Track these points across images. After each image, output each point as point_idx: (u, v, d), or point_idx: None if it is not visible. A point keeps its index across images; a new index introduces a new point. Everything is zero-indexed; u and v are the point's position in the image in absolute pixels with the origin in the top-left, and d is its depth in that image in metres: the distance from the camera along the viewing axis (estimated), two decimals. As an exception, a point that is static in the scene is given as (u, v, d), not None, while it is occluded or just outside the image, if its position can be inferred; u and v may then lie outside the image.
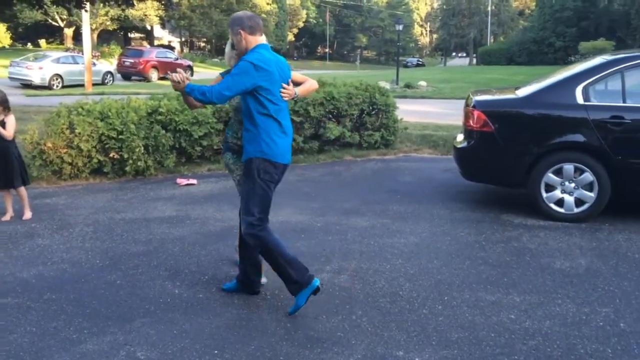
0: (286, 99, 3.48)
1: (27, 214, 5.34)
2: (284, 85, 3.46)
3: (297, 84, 3.77)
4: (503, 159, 5.47)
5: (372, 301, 3.64)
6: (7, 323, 3.27)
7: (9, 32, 33.59)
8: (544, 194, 5.30)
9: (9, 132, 5.13)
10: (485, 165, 5.66)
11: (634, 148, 5.09)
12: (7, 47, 33.39)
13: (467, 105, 5.92)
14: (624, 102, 5.15)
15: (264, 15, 51.26)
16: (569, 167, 5.19)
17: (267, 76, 3.32)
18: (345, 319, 3.40)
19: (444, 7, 71.22)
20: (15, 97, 16.95)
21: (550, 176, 5.26)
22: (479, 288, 3.85)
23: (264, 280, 3.83)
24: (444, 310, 3.52)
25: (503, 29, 65.74)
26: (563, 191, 5.25)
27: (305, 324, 3.34)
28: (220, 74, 3.84)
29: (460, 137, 6.16)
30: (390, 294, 3.76)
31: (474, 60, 59.44)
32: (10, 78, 21.54)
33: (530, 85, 6.01)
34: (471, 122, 5.57)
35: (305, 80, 3.90)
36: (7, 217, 5.25)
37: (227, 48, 3.72)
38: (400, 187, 6.62)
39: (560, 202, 5.27)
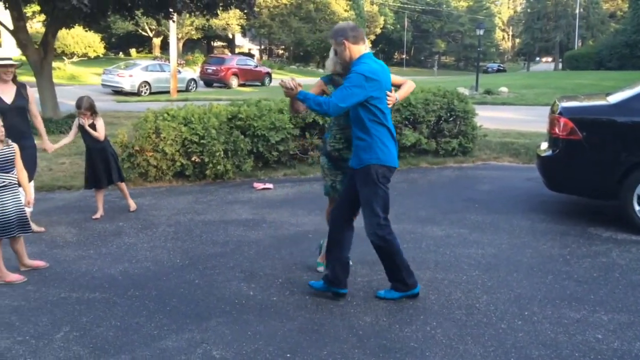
0: (390, 105, 3.58)
1: (133, 206, 5.77)
2: (388, 92, 3.56)
3: (396, 86, 3.86)
4: (591, 169, 5.17)
5: (447, 313, 3.54)
6: (95, 317, 3.47)
7: (103, 42, 35.84)
8: (637, 207, 4.95)
9: (100, 133, 5.51)
10: (571, 175, 5.37)
11: None
12: (101, 56, 35.63)
13: (552, 112, 5.65)
14: None
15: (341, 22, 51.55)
16: (665, 179, 4.82)
17: (376, 86, 3.43)
18: (419, 330, 3.32)
19: (528, 10, 68.57)
20: (107, 103, 18.08)
21: (644, 188, 4.90)
22: (562, 304, 3.64)
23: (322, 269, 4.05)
24: (524, 326, 3.36)
25: (592, 32, 62.31)
26: (659, 204, 4.89)
27: (378, 332, 3.30)
28: (322, 78, 3.97)
29: (544, 145, 5.89)
30: (466, 306, 3.64)
31: (560, 65, 56.74)
32: (103, 85, 23.01)
33: (622, 91, 5.65)
34: (557, 129, 5.30)
35: (404, 82, 3.98)
36: (97, 216, 5.58)
37: (331, 54, 3.79)
38: (478, 196, 6.42)
39: (655, 217, 4.91)
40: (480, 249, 4.69)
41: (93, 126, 5.52)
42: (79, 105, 5.52)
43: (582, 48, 53.85)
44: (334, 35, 3.58)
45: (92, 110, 5.56)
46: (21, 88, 4.89)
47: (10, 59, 4.91)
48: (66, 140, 5.72)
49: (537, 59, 76.80)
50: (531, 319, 3.46)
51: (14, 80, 4.88)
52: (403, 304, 3.64)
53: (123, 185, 5.84)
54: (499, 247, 4.75)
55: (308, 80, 37.48)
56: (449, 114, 8.39)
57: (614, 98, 5.46)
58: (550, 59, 74.35)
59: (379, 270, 4.19)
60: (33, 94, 5.10)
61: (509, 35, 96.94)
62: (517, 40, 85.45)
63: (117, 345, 3.14)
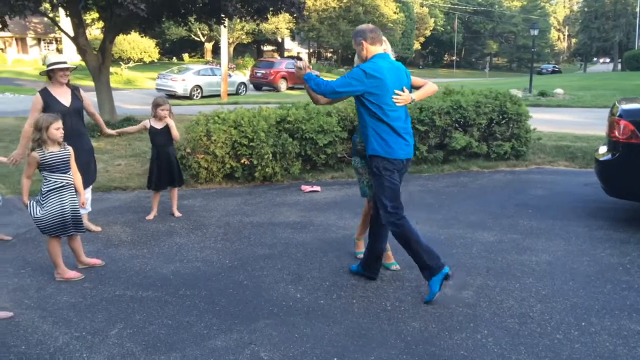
0: (400, 104, 3.74)
1: (177, 214, 5.84)
2: (397, 91, 3.71)
3: (416, 87, 4.01)
4: (654, 174, 4.92)
5: (499, 321, 3.44)
6: (147, 315, 3.56)
7: (157, 47, 36.96)
8: None
9: (176, 133, 5.63)
10: (632, 180, 5.13)
11: None
12: (155, 61, 36.72)
13: (612, 114, 5.41)
14: None
15: (390, 25, 51.32)
16: None
17: (376, 83, 3.65)
18: (469, 338, 3.24)
19: (585, 9, 66.15)
20: (161, 107, 18.61)
21: None
22: (622, 315, 3.48)
23: (396, 267, 4.28)
24: (581, 337, 3.23)
25: (655, 30, 59.51)
26: None
27: (427, 339, 3.24)
28: None
29: (603, 149, 5.65)
30: (519, 314, 3.53)
31: (619, 66, 54.44)
32: (157, 89, 23.72)
33: (689, 91, 5.35)
34: (617, 132, 5.08)
35: (425, 83, 4.08)
36: (150, 217, 5.73)
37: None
38: (532, 201, 6.22)
39: None
40: (534, 256, 4.55)
41: (167, 128, 5.62)
42: (159, 104, 5.60)
43: (644, 47, 51.48)
44: (354, 36, 3.85)
45: (170, 110, 5.69)
46: (75, 90, 5.05)
47: (64, 62, 5.00)
48: (129, 129, 5.98)
49: (595, 59, 73.93)
50: (588, 329, 3.32)
51: (68, 83, 5.03)
52: (453, 311, 3.57)
53: (176, 190, 5.93)
54: (554, 254, 4.58)
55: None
56: (501, 117, 8.19)
57: (680, 99, 5.18)
58: (608, 60, 71.45)
59: (428, 276, 4.13)
60: (86, 94, 5.26)
61: (564, 35, 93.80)
62: (574, 40, 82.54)
63: (168, 343, 3.21)
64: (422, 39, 63.25)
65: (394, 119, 3.72)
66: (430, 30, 63.16)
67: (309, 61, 55.75)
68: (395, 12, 52.59)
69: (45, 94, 4.88)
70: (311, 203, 6.32)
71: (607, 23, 60.33)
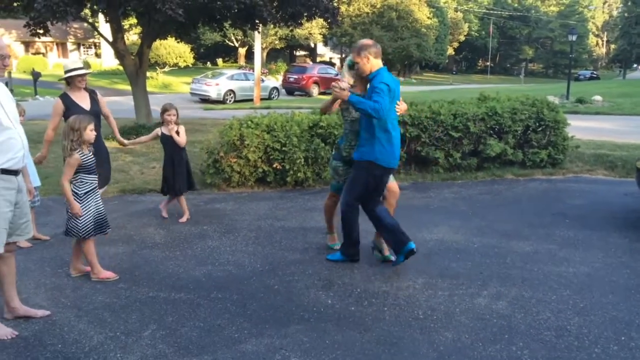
0: (400, 113, 4.21)
1: (186, 216, 5.85)
2: (398, 102, 4.16)
3: None
4: (700, 185, 4.74)
5: (535, 333, 3.36)
6: (180, 317, 3.60)
7: (192, 52, 37.58)
8: None
9: (182, 139, 5.72)
10: (675, 190, 4.96)
11: None
12: (190, 65, 37.36)
13: (654, 122, 5.25)
14: None
15: (424, 30, 50.97)
16: None
17: (392, 95, 4.05)
18: (504, 349, 3.17)
19: (625, 14, 64.36)
20: (195, 111, 18.90)
21: None
22: (665, 332, 3.35)
23: (393, 257, 4.46)
24: (620, 352, 3.12)
25: (699, 36, 57.55)
26: None
27: (460, 349, 3.18)
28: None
29: (644, 158, 5.48)
30: (556, 327, 3.43)
31: (661, 72, 52.78)
32: (192, 93, 24.08)
33: None
34: (659, 141, 4.93)
35: None
36: (184, 219, 5.80)
37: (345, 68, 4.32)
38: (569, 211, 6.07)
39: None
40: (571, 267, 4.42)
41: (177, 133, 5.72)
42: (166, 109, 5.71)
43: (687, 53, 49.81)
44: (359, 50, 4.08)
45: (178, 115, 5.79)
46: (92, 94, 5.16)
47: (82, 67, 5.07)
48: (142, 138, 6.05)
49: (635, 65, 71.79)
50: (628, 344, 3.21)
51: (85, 87, 5.13)
52: (487, 322, 3.49)
53: (183, 197, 5.93)
54: (592, 265, 4.46)
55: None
56: (537, 124, 8.02)
57: None
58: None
59: (461, 285, 4.07)
60: (103, 98, 5.34)
61: (603, 41, 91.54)
62: (612, 46, 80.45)
63: (200, 345, 3.23)
64: (455, 44, 62.60)
65: (395, 129, 4.17)
66: (465, 36, 62.44)
67: (341, 66, 55.80)
68: (429, 17, 52.19)
69: (65, 98, 5.02)
70: (342, 208, 6.29)
71: (648, 28, 58.57)
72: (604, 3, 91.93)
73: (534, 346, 3.20)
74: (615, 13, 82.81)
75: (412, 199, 6.74)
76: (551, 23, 70.45)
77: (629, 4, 62.67)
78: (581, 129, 10.29)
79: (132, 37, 33.15)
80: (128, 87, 13.29)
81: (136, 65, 12.39)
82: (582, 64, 72.17)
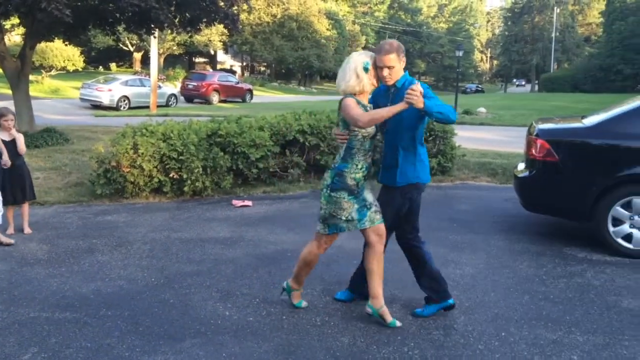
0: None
1: (28, 230, 5.53)
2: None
3: None
4: (567, 191, 5.24)
5: (426, 333, 3.52)
6: (65, 338, 3.37)
7: (82, 55, 35.53)
8: (611, 228, 5.02)
9: (23, 146, 5.42)
10: (547, 196, 5.44)
11: None
12: (80, 69, 35.28)
13: (529, 133, 5.73)
14: (701, 133, 4.84)
15: (323, 41, 52.07)
16: (638, 201, 4.90)
17: None
18: (397, 351, 3.30)
19: (506, 33, 70.00)
20: (85, 117, 17.88)
21: (619, 210, 4.99)
22: (538, 325, 3.66)
23: (304, 304, 3.88)
24: (501, 347, 3.36)
25: (567, 55, 63.83)
26: (632, 226, 4.97)
27: (355, 353, 3.26)
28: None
29: (521, 166, 5.96)
30: (444, 326, 3.62)
31: (536, 87, 57.91)
32: (81, 99, 22.73)
33: (598, 114, 5.76)
34: (534, 151, 5.38)
35: None
36: (11, 231, 5.43)
37: (361, 72, 3.42)
38: (457, 216, 6.45)
39: (628, 237, 4.99)
40: (458, 269, 4.70)
41: (14, 140, 5.40)
42: (2, 114, 5.36)
43: (558, 71, 55.15)
44: (398, 51, 3.41)
45: (15, 121, 5.48)
46: None
47: None
48: None
49: (514, 80, 78.06)
50: (508, 340, 3.45)
51: None
52: (381, 325, 3.61)
53: (27, 205, 5.64)
54: (476, 267, 4.76)
55: (289, 98, 37.54)
56: (428, 134, 8.46)
57: (590, 120, 5.56)
58: (523, 82, 75.73)
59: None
60: None
61: (487, 57, 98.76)
62: (495, 62, 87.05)
63: (86, 367, 3.05)
64: (354, 56, 64.43)
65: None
66: (362, 48, 64.58)
67: (242, 74, 55.52)
68: (328, 29, 53.47)
69: None
70: (242, 218, 6.24)
71: (526, 47, 64.06)
72: (488, 22, 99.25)
73: (424, 346, 3.35)
74: (497, 31, 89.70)
75: (311, 206, 6.82)
76: (441, 39, 74.86)
77: (509, 23, 68.27)
78: (467, 138, 10.98)
79: (15, 37, 30.75)
80: (8, 91, 12.28)
81: (17, 68, 11.50)
82: (468, 78, 77.33)
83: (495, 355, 3.26)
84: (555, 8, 60.15)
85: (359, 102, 3.41)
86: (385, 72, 3.41)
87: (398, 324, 3.59)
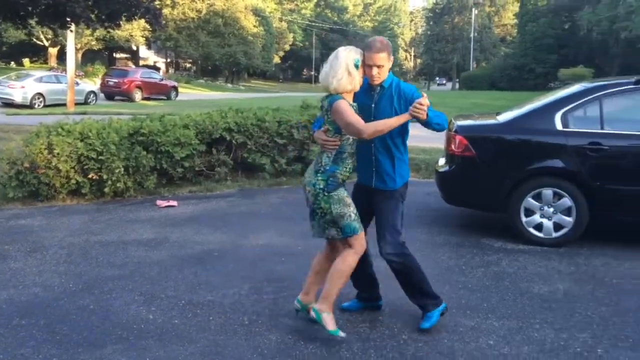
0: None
1: None
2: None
3: None
4: (483, 184, 5.50)
5: (352, 327, 3.59)
6: (-27, 350, 3.17)
7: (-8, 50, 33.36)
8: (524, 219, 5.32)
9: None
10: (466, 189, 5.69)
11: (611, 174, 5.16)
12: (-11, 65, 33.12)
13: (449, 129, 5.95)
14: (602, 128, 5.22)
15: (250, 38, 51.63)
16: (547, 192, 5.23)
17: None
18: (324, 345, 3.34)
19: (428, 32, 72.35)
20: (-4, 116, 16.77)
21: (530, 201, 5.29)
22: (458, 313, 3.82)
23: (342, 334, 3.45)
24: (423, 336, 3.49)
25: (485, 55, 66.87)
26: (542, 216, 5.28)
27: (283, 350, 3.28)
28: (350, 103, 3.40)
29: (442, 161, 6.19)
30: (370, 320, 3.71)
31: (457, 85, 60.30)
32: (-8, 96, 21.33)
33: (511, 110, 6.09)
34: (453, 146, 5.60)
35: None
36: None
37: (353, 69, 3.31)
38: (382, 211, 6.59)
39: (539, 227, 5.30)
40: (383, 262, 4.80)
41: None
42: None
43: (477, 70, 57.66)
44: (388, 49, 3.33)
45: None
46: None
47: None
48: None
49: (437, 78, 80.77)
50: (430, 329, 3.59)
51: None
52: (308, 322, 3.64)
53: None
54: (400, 260, 4.89)
55: (216, 95, 36.92)
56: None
57: (503, 117, 5.87)
58: (444, 81, 78.62)
59: (286, 288, 4.18)
60: None
61: (411, 55, 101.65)
62: (419, 61, 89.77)
63: (-2, 381, 2.88)
64: (282, 53, 64.48)
65: None
66: (290, 45, 64.66)
67: (167, 71, 54.05)
68: (255, 26, 53.07)
69: None
70: (167, 218, 6.09)
71: (447, 46, 66.51)
72: (411, 21, 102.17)
73: (350, 339, 3.42)
74: (420, 31, 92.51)
75: (239, 205, 6.77)
76: (367, 38, 76.22)
77: (431, 23, 70.62)
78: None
79: None
80: None
81: None
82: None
83: (418, 344, 3.38)
84: (473, 9, 62.84)
85: (349, 104, 3.31)
86: (375, 70, 3.33)
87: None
